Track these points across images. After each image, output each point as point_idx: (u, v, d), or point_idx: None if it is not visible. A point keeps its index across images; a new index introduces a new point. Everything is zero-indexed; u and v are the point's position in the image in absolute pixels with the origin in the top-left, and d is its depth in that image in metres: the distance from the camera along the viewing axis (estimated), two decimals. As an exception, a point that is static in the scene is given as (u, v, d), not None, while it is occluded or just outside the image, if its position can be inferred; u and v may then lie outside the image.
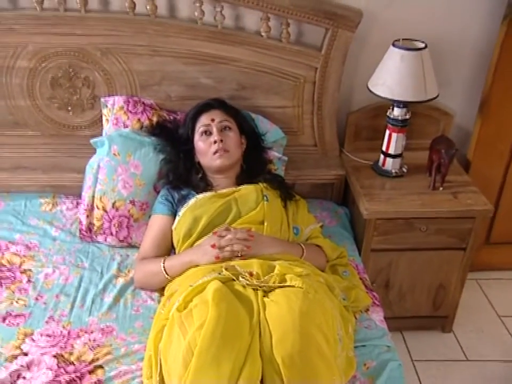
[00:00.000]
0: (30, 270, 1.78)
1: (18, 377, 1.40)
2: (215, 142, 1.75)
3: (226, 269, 1.38)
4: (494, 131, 2.25)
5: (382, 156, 2.11)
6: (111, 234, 1.88)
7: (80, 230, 1.92)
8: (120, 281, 1.75)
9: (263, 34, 1.98)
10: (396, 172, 2.10)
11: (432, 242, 2.02)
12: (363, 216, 1.93)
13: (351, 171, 2.14)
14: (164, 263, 1.61)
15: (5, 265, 1.80)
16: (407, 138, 2.12)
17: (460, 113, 2.29)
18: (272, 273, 1.34)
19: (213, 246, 1.53)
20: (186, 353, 1.13)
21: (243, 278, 1.33)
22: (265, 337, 1.15)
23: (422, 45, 1.89)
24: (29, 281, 1.74)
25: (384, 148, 2.09)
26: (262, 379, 1.12)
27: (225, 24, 1.98)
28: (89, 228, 1.91)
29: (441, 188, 2.02)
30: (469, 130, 2.30)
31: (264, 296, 1.28)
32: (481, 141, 2.27)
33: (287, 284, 1.29)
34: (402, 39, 1.93)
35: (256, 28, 2.01)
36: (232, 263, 1.44)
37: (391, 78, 1.90)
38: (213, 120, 1.79)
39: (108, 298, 1.68)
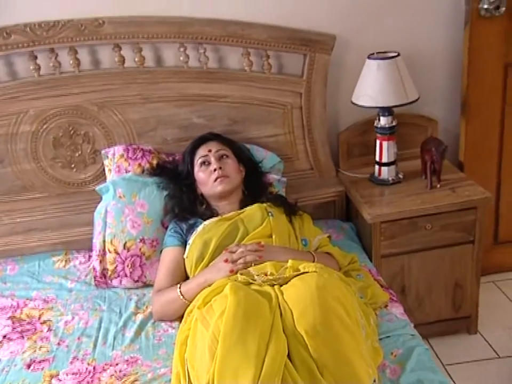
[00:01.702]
0: (49, 320, 1.80)
1: (49, 415, 1.39)
2: (214, 170, 1.83)
3: (241, 274, 1.41)
4: (480, 130, 2.33)
5: (377, 167, 2.18)
6: (126, 276, 1.91)
7: (95, 277, 1.95)
8: (140, 317, 1.76)
9: (246, 68, 2.11)
10: (392, 179, 2.16)
11: (440, 239, 2.04)
12: (367, 222, 1.97)
13: (349, 186, 2.20)
14: (180, 288, 1.63)
15: (24, 320, 1.81)
16: (399, 149, 2.20)
17: (444, 119, 2.38)
18: (286, 266, 1.37)
19: (226, 261, 1.56)
20: (212, 343, 1.14)
21: (258, 276, 1.36)
22: (286, 316, 1.17)
23: (395, 54, 2.01)
24: (49, 330, 1.75)
25: (377, 158, 2.16)
26: (288, 354, 1.12)
27: (209, 65, 2.11)
28: (104, 273, 1.94)
29: (438, 186, 2.08)
30: (456, 133, 2.38)
31: (281, 286, 1.30)
32: (469, 141, 2.35)
33: (301, 271, 1.32)
34: (377, 53, 2.06)
35: (239, 64, 2.14)
36: (246, 270, 1.47)
37: (371, 88, 2.01)
38: (210, 150, 1.88)
39: (129, 333, 1.68)
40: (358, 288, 1.65)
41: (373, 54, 2.05)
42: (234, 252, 1.57)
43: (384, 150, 2.13)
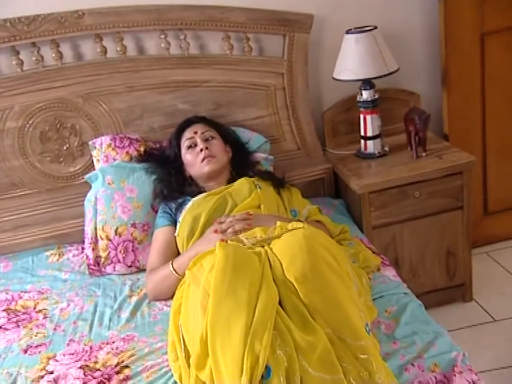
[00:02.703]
0: (45, 309, 1.79)
1: (47, 391, 1.39)
2: (201, 150, 1.85)
3: (231, 241, 1.42)
4: (461, 101, 2.36)
5: (362, 141, 2.20)
6: (119, 261, 1.92)
7: (89, 265, 1.95)
8: (134, 299, 1.76)
9: (227, 52, 2.14)
10: (378, 152, 2.18)
11: (429, 207, 2.06)
12: (356, 193, 1.99)
13: (336, 162, 2.23)
14: (172, 265, 1.64)
15: (20, 311, 1.81)
16: (383, 125, 2.23)
17: (426, 92, 2.41)
18: (274, 227, 1.38)
19: (215, 231, 1.57)
20: (203, 297, 1.15)
21: (247, 239, 1.37)
22: (275, 266, 1.18)
23: (372, 27, 2.04)
24: (45, 317, 1.74)
25: (362, 133, 2.19)
26: (280, 303, 1.13)
27: (191, 52, 2.13)
28: (97, 261, 1.94)
29: (424, 154, 2.10)
30: (439, 106, 2.41)
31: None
32: (452, 113, 2.37)
33: (290, 229, 1.33)
34: (354, 28, 2.09)
35: (220, 49, 2.16)
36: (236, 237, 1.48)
37: (351, 61, 2.04)
38: (195, 132, 1.90)
39: (125, 314, 1.68)
40: (349, 255, 1.66)
41: (351, 29, 2.08)
42: (223, 223, 1.58)
43: (368, 123, 2.15)
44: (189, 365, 1.26)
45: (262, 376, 1.01)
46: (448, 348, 1.30)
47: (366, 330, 1.14)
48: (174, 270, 1.62)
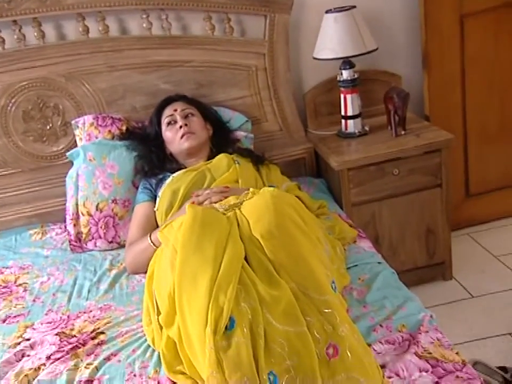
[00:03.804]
0: (25, 282, 1.81)
1: (22, 356, 1.40)
2: (180, 127, 1.87)
3: (205, 208, 1.44)
4: (442, 82, 2.39)
5: (343, 121, 2.23)
6: (100, 237, 1.93)
7: (70, 241, 1.97)
8: (114, 272, 1.78)
9: (208, 32, 2.16)
10: (359, 132, 2.20)
11: (408, 184, 2.09)
12: (335, 170, 2.01)
13: (317, 142, 2.25)
14: (150, 237, 1.66)
15: (0, 285, 1.83)
16: (364, 106, 2.26)
17: (407, 74, 2.43)
18: (247, 193, 1.40)
19: (192, 203, 1.59)
20: (172, 255, 1.17)
21: (220, 205, 1.38)
22: (243, 225, 1.20)
23: (351, 6, 2.07)
24: (25, 290, 1.76)
25: (343, 112, 2.21)
26: (246, 260, 1.15)
27: (173, 33, 2.15)
28: (78, 237, 1.96)
29: (403, 132, 2.12)
30: (420, 87, 2.43)
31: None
32: (433, 94, 2.40)
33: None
34: (334, 8, 2.11)
35: (202, 30, 2.18)
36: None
37: (330, 40, 2.06)
38: (175, 110, 1.92)
39: (103, 286, 1.71)
40: (326, 228, 1.68)
41: (330, 9, 2.10)
42: (200, 195, 1.60)
43: (349, 103, 2.18)
44: (161, 328, 1.28)
45: (226, 327, 1.03)
46: (417, 310, 1.32)
47: (332, 287, 1.16)
48: (152, 242, 1.64)
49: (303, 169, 2.31)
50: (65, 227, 2.06)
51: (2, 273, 1.89)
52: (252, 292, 1.07)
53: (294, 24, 2.24)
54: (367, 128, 2.22)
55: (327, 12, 2.09)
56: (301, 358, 1.02)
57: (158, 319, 1.28)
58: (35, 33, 2.05)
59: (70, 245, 1.97)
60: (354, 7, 2.07)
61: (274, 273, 1.11)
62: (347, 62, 2.12)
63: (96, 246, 1.95)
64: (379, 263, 1.58)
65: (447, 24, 2.31)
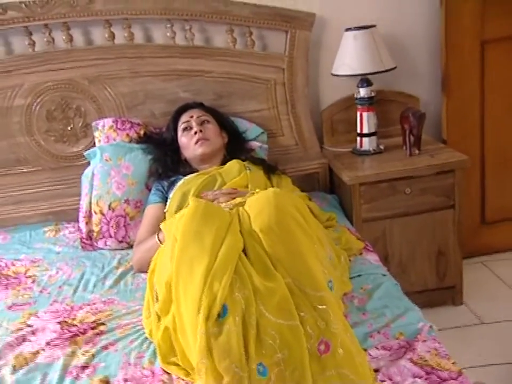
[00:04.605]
0: (34, 275, 1.85)
1: (23, 340, 1.42)
2: (195, 133, 1.90)
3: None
4: (461, 106, 2.39)
5: (358, 138, 2.24)
6: (110, 236, 1.97)
7: (81, 239, 2.01)
8: (120, 270, 1.81)
9: (230, 45, 2.21)
10: (373, 150, 2.21)
11: (420, 204, 2.08)
12: (347, 184, 2.02)
13: (332, 158, 2.26)
14: (158, 236, 1.68)
15: (11, 275, 1.87)
16: (381, 126, 2.28)
17: (426, 97, 2.45)
18: (253, 192, 1.41)
19: None
20: (172, 244, 1.18)
21: (225, 204, 1.40)
22: (243, 219, 1.21)
23: (371, 25, 2.10)
24: (33, 282, 1.80)
25: (358, 130, 2.22)
26: (245, 253, 1.15)
27: (195, 43, 2.22)
28: (89, 235, 2.00)
29: (417, 152, 2.12)
30: (438, 111, 2.44)
31: None
32: (451, 118, 2.40)
33: (265, 191, 1.36)
34: (354, 27, 2.15)
35: (224, 42, 2.24)
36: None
37: (349, 57, 2.10)
38: (192, 116, 1.96)
39: (109, 282, 1.73)
40: (333, 239, 1.68)
41: (350, 28, 2.14)
42: (209, 195, 1.62)
43: (365, 120, 2.19)
44: (159, 319, 1.29)
45: (219, 315, 1.04)
46: (416, 320, 1.31)
47: (329, 286, 1.15)
48: (159, 240, 1.66)
49: (316, 184, 2.32)
50: (78, 227, 2.10)
51: (13, 265, 1.93)
52: (247, 283, 1.08)
53: (314, 41, 2.29)
54: (382, 147, 2.23)
55: (346, 29, 2.13)
56: (292, 352, 1.02)
57: (156, 312, 1.29)
58: (63, 37, 2.13)
59: (81, 242, 2.00)
60: (374, 26, 2.10)
61: (271, 267, 1.11)
62: (364, 80, 2.15)
63: (106, 245, 1.98)
64: (383, 275, 1.57)
65: (468, 49, 2.33)
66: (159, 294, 1.24)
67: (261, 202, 1.22)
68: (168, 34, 2.18)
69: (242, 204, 1.34)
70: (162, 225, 1.40)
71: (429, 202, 2.08)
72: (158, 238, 1.67)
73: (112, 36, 2.16)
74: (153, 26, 2.22)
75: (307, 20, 2.20)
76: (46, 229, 2.17)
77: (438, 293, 2.22)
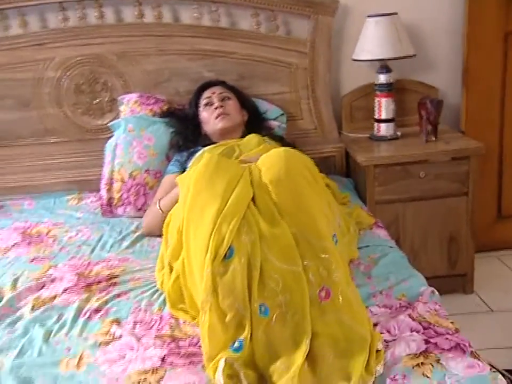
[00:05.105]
0: (55, 235, 1.92)
1: (43, 287, 1.50)
2: (216, 108, 1.97)
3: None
4: (481, 98, 2.40)
5: (376, 124, 2.28)
6: (130, 203, 2.04)
7: (102, 206, 2.08)
8: (138, 234, 1.87)
9: (254, 28, 2.28)
10: (390, 136, 2.24)
11: (434, 189, 2.10)
12: (361, 165, 2.06)
13: (349, 143, 2.30)
14: (159, 203, 1.75)
15: (34, 235, 1.95)
16: (399, 115, 2.31)
17: (446, 88, 2.46)
18: None
19: None
20: (185, 194, 1.23)
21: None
22: (254, 172, 1.26)
23: (393, 12, 2.14)
24: (54, 241, 1.87)
25: (376, 115, 2.26)
26: (254, 203, 1.20)
27: (221, 24, 2.28)
28: (110, 202, 2.07)
29: (433, 139, 2.15)
30: (457, 103, 2.45)
31: None
32: (470, 111, 2.41)
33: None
34: (376, 14, 2.19)
35: (249, 23, 2.30)
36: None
37: (369, 43, 2.14)
38: (213, 93, 2.03)
39: (126, 243, 1.80)
40: (345, 213, 1.72)
41: (372, 15, 2.18)
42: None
43: (383, 106, 2.23)
44: (170, 271, 1.35)
45: (226, 256, 1.09)
46: (419, 284, 1.34)
47: (333, 240, 1.19)
48: (160, 208, 1.72)
49: (333, 167, 2.35)
50: (100, 197, 2.18)
51: (37, 226, 2.01)
52: (254, 228, 1.13)
53: (337, 28, 2.34)
54: (398, 133, 2.26)
55: (368, 16, 2.17)
56: (293, 296, 1.06)
57: (168, 263, 1.35)
58: (95, 14, 2.22)
59: (102, 208, 2.08)
60: (396, 13, 2.14)
61: (278, 216, 1.16)
62: (384, 66, 2.19)
63: (125, 212, 2.05)
64: (391, 247, 1.60)
65: (491, 41, 2.34)
66: (170, 240, 1.30)
67: (272, 158, 1.27)
68: (195, 15, 2.25)
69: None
70: (177, 178, 1.46)
71: (443, 188, 2.10)
72: (159, 204, 1.73)
73: (142, 15, 2.24)
74: (181, 7, 2.30)
75: (330, 6, 2.25)
76: (69, 197, 2.26)
77: (448, 280, 2.23)
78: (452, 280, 2.25)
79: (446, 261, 2.20)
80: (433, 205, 2.12)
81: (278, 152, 1.28)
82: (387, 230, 2.07)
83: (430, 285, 2.16)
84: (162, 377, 1.06)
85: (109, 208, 2.07)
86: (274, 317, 1.05)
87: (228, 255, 1.08)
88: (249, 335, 1.03)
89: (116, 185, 2.06)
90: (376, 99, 2.24)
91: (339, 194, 1.87)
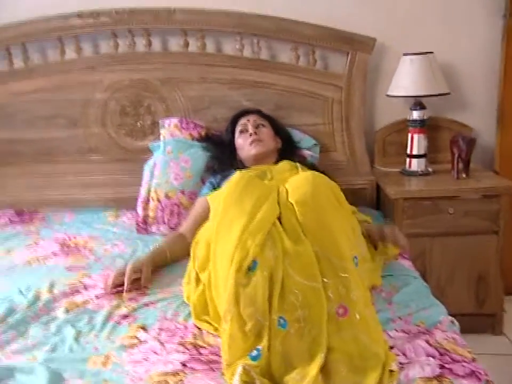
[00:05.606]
0: (92, 247, 2.02)
1: (77, 292, 1.58)
2: (250, 134, 2.05)
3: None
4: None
5: (407, 159, 2.32)
6: (164, 222, 2.12)
7: (137, 223, 2.17)
8: (170, 250, 1.94)
9: (293, 61, 2.37)
10: (422, 171, 2.28)
11: (463, 225, 2.11)
12: (390, 197, 2.09)
13: (380, 176, 2.34)
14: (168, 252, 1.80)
15: (72, 246, 2.05)
16: (432, 152, 2.34)
17: (480, 129, 2.48)
18: None
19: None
20: (216, 209, 1.30)
21: None
22: (282, 193, 1.31)
23: (429, 51, 2.20)
24: (90, 252, 1.97)
25: (408, 151, 2.30)
26: (280, 222, 1.26)
27: (261, 56, 2.39)
28: (145, 220, 2.16)
29: (464, 176, 2.17)
30: (491, 144, 2.47)
31: None
32: (505, 152, 2.42)
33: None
34: (412, 53, 2.25)
35: (288, 56, 2.40)
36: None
37: (404, 79, 2.20)
38: (248, 120, 2.12)
39: (158, 258, 1.87)
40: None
41: (408, 53, 2.25)
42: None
43: (415, 142, 2.27)
44: (197, 284, 1.41)
45: (249, 269, 1.14)
46: (440, 313, 1.35)
47: (354, 262, 1.23)
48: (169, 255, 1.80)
49: (363, 200, 2.38)
50: (136, 211, 2.27)
51: (75, 238, 2.12)
52: (278, 244, 1.18)
53: (374, 65, 2.41)
54: (430, 169, 2.29)
55: (404, 54, 2.24)
56: (312, 311, 1.10)
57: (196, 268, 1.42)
58: (144, 42, 2.37)
59: (137, 225, 2.17)
60: (431, 52, 2.20)
61: (302, 235, 1.21)
62: (418, 103, 2.24)
63: (159, 230, 2.14)
64: (414, 277, 1.62)
65: (526, 84, 2.37)
66: (199, 253, 1.37)
67: (299, 180, 1.33)
68: (237, 46, 2.37)
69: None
70: (208, 197, 1.53)
71: (472, 225, 2.11)
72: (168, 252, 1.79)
73: (187, 44, 2.37)
74: (224, 39, 2.42)
75: (368, 43, 2.33)
76: (107, 213, 2.37)
77: (476, 319, 2.21)
78: (480, 320, 2.22)
79: (473, 299, 2.19)
80: (462, 242, 2.13)
81: (306, 175, 1.35)
82: (413, 263, 2.10)
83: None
84: (182, 380, 1.11)
85: (143, 225, 2.16)
86: (292, 330, 1.09)
87: (252, 268, 1.14)
88: (267, 345, 1.07)
89: (152, 204, 2.16)
90: (409, 134, 2.29)
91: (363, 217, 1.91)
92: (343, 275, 1.15)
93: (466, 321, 2.18)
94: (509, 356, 2.10)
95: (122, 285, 1.55)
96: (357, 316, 1.10)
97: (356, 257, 1.25)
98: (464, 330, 2.16)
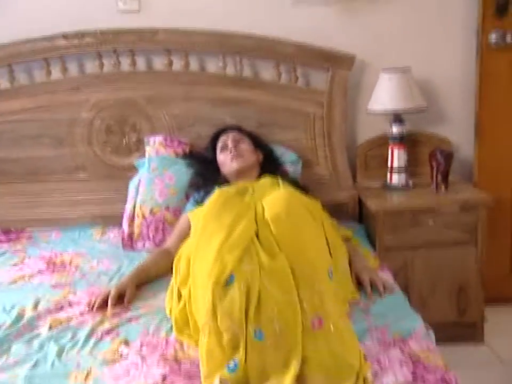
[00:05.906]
0: (78, 264, 2.04)
1: (61, 309, 1.62)
2: (230, 151, 2.09)
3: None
4: (494, 153, 2.47)
5: (388, 173, 2.37)
6: (149, 239, 2.15)
7: (123, 239, 2.20)
8: (154, 266, 1.97)
9: (275, 78, 2.43)
10: (402, 185, 2.33)
11: (443, 238, 2.15)
12: (371, 211, 2.13)
13: (362, 190, 2.39)
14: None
15: (57, 263, 2.07)
16: (412, 166, 2.40)
17: (457, 141, 2.54)
18: None
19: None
20: (196, 223, 1.33)
21: None
22: (258, 210, 1.36)
23: (406, 67, 2.27)
24: (76, 269, 1.99)
25: (389, 165, 2.35)
26: (258, 237, 1.30)
27: (244, 74, 2.45)
28: (131, 236, 2.19)
29: (443, 188, 2.22)
30: (469, 157, 2.53)
31: None
32: (483, 164, 2.48)
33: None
34: (390, 68, 2.32)
35: (270, 74, 2.46)
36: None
37: (383, 95, 2.26)
38: (228, 137, 2.16)
39: (142, 274, 1.89)
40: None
41: (387, 69, 2.31)
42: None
43: (395, 156, 2.32)
44: (179, 299, 1.44)
45: (226, 283, 1.18)
46: (416, 324, 1.39)
47: (328, 273, 1.27)
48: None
49: (346, 214, 2.42)
50: (123, 232, 2.30)
51: (61, 255, 2.14)
52: (255, 259, 1.22)
53: (353, 81, 2.47)
54: (410, 183, 2.34)
55: (383, 70, 2.30)
56: (288, 323, 1.14)
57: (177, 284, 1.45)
58: (128, 62, 2.41)
59: (122, 241, 2.20)
60: (409, 68, 2.26)
61: (277, 249, 1.25)
62: (397, 118, 2.29)
63: (144, 247, 2.17)
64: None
65: (504, 97, 2.43)
66: (181, 269, 1.40)
67: (275, 198, 1.38)
68: (220, 65, 2.42)
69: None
70: (189, 214, 1.57)
71: (451, 237, 2.15)
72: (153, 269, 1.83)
73: (171, 63, 2.42)
74: (207, 57, 2.47)
75: (347, 60, 2.39)
76: (93, 230, 2.39)
77: (458, 328, 2.25)
78: (461, 329, 2.26)
79: (455, 309, 2.23)
80: (442, 254, 2.17)
81: (282, 193, 1.39)
82: (396, 276, 2.14)
83: (439, 332, 2.20)
84: (162, 393, 1.13)
85: (129, 242, 2.19)
86: (268, 342, 1.12)
87: (229, 281, 1.17)
88: (244, 357, 1.10)
89: (137, 221, 2.19)
90: (390, 149, 2.34)
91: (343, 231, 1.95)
92: (317, 287, 1.18)
93: (448, 331, 2.25)
94: (489, 363, 2.13)
95: (106, 306, 1.58)
96: (332, 327, 1.13)
97: (330, 270, 1.28)
98: (446, 339, 2.23)
